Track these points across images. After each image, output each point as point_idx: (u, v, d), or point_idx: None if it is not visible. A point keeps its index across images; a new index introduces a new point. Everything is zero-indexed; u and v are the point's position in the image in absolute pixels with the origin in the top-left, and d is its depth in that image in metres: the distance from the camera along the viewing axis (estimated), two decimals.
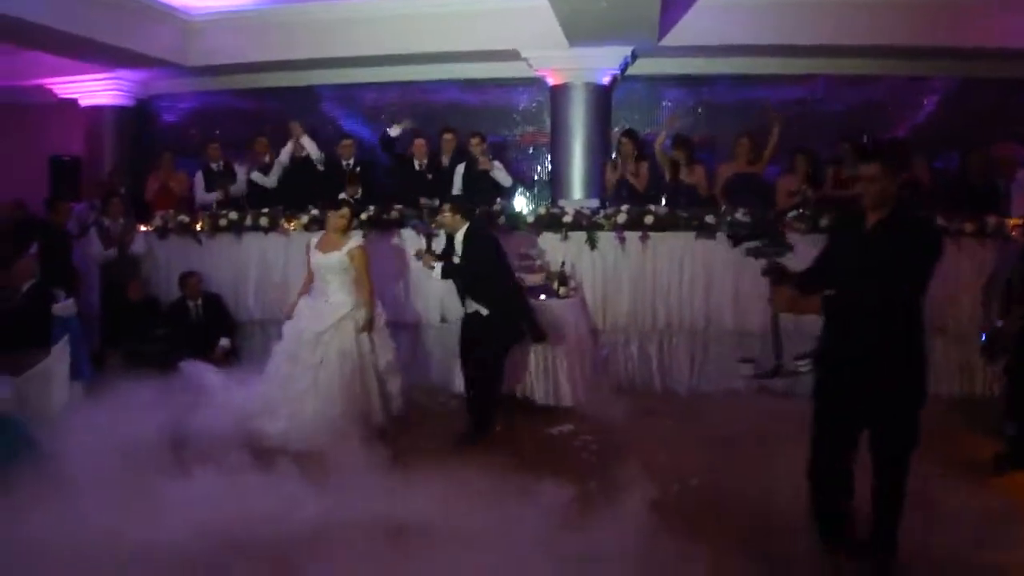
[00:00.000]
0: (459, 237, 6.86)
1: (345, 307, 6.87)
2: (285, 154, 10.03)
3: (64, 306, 7.41)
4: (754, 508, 5.00)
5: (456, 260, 6.91)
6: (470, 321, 6.92)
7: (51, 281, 7.77)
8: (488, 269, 6.79)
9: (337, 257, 6.89)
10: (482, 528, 4.58)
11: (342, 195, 7.45)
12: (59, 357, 6.80)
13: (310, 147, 9.96)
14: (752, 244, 4.75)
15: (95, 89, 11.77)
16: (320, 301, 6.95)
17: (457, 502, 4.93)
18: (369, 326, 6.90)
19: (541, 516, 4.76)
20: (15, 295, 7.58)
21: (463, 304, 6.99)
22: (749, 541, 4.62)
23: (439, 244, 7.32)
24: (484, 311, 6.77)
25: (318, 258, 6.95)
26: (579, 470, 5.91)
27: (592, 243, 8.30)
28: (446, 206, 6.96)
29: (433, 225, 7.65)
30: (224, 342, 8.52)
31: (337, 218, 7.04)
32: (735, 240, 5.61)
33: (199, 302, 8.66)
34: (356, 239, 7.08)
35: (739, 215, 8.07)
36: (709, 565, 4.19)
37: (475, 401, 6.84)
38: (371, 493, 5.16)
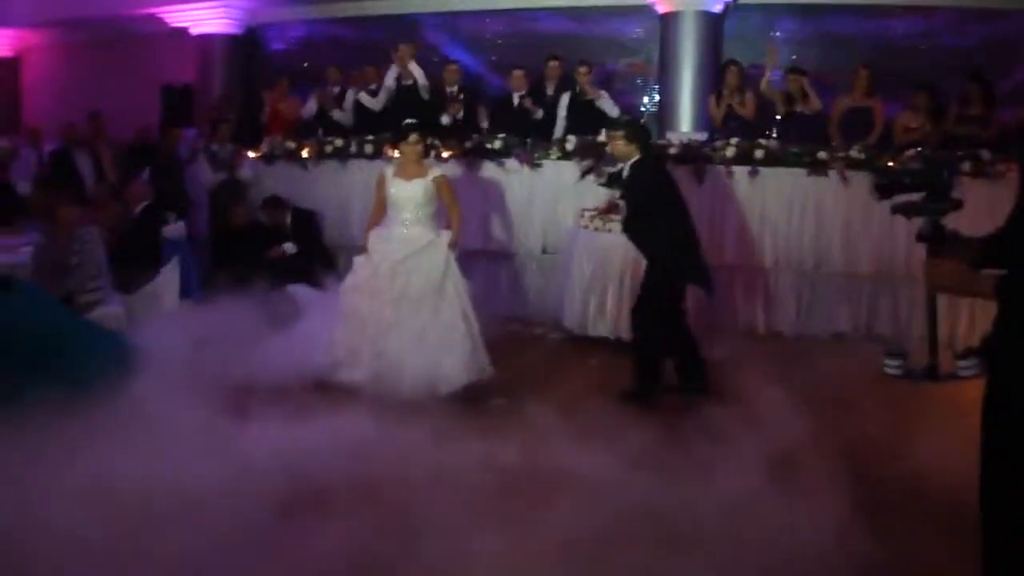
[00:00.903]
0: (627, 168, 6.19)
1: (424, 238, 6.28)
2: (391, 78, 10.00)
3: (174, 228, 7.64)
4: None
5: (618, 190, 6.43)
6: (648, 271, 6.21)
7: (163, 205, 7.98)
8: (649, 206, 6.04)
9: (421, 185, 6.34)
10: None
11: (408, 121, 6.67)
12: (169, 277, 7.05)
13: (417, 73, 9.92)
14: (905, 199, 3.89)
15: (205, 17, 11.95)
16: (396, 232, 6.36)
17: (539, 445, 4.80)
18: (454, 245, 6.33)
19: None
20: (129, 217, 7.81)
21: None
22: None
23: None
24: (643, 258, 6.21)
25: (398, 187, 6.35)
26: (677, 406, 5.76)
27: (699, 177, 8.11)
28: (619, 131, 6.22)
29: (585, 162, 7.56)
30: (288, 246, 8.62)
31: (411, 145, 6.47)
32: (884, 191, 4.21)
33: (287, 222, 8.78)
34: (436, 168, 6.69)
35: (854, 151, 7.79)
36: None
37: (635, 364, 6.16)
38: (477, 437, 4.82)
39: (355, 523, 3.75)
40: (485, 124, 9.43)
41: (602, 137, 7.64)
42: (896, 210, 3.85)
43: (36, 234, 7.21)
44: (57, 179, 9.05)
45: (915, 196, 3.87)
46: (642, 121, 8.06)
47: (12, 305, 5.72)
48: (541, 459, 4.54)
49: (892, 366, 4.37)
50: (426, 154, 7.99)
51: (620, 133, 6.18)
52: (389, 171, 6.56)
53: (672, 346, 6.15)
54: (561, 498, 3.99)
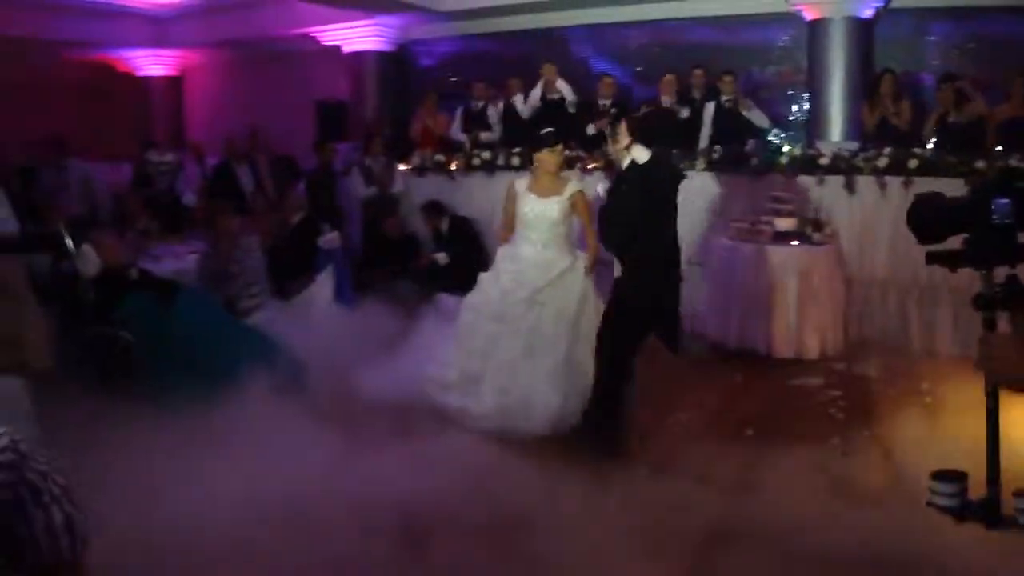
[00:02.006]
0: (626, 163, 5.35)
1: (560, 263, 5.68)
2: (536, 95, 10.13)
3: (329, 238, 7.92)
4: None
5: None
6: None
7: (318, 216, 8.28)
8: (638, 212, 5.19)
9: (557, 204, 5.73)
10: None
11: (547, 129, 6.05)
12: (323, 285, 7.34)
13: (565, 89, 10.02)
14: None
15: (357, 36, 12.34)
16: (527, 252, 5.75)
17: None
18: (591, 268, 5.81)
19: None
20: (286, 227, 8.15)
21: None
22: None
23: None
24: (616, 270, 5.37)
25: (532, 204, 5.74)
26: (822, 429, 5.62)
27: (850, 188, 7.92)
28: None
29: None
30: (440, 256, 8.76)
31: (553, 155, 5.82)
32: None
33: (445, 228, 8.95)
34: (574, 183, 6.00)
35: (1014, 161, 7.47)
36: None
37: (592, 404, 5.33)
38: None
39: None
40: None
41: None
42: (933, 259, 2.43)
43: (200, 243, 7.60)
44: (219, 191, 9.51)
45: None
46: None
47: (178, 308, 6.07)
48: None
49: (941, 494, 2.53)
50: (569, 166, 8.06)
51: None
52: (521, 185, 5.91)
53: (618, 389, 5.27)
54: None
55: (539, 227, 5.74)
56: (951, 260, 2.30)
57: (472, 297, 5.85)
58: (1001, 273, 2.25)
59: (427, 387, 5.69)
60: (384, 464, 4.60)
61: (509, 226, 5.98)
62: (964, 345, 7.61)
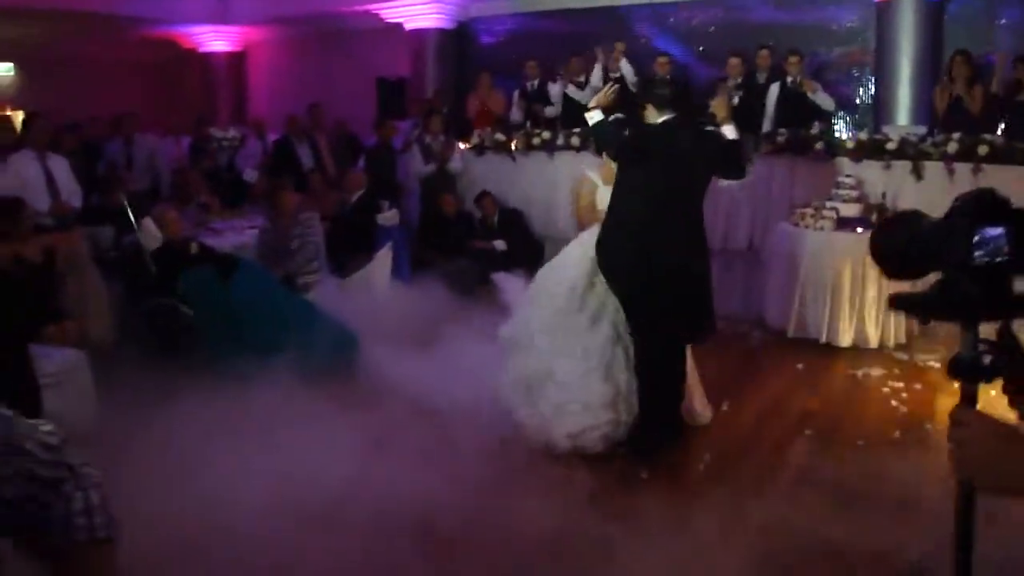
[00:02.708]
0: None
1: None
2: (597, 74, 10.04)
3: (388, 216, 7.94)
4: None
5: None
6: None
7: (378, 193, 8.29)
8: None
9: None
10: None
11: (617, 115, 5.47)
12: (382, 262, 7.35)
13: (627, 69, 9.93)
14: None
15: (418, 13, 12.35)
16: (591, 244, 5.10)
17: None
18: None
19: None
20: (346, 204, 8.18)
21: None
22: None
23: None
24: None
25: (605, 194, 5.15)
26: (886, 417, 5.55)
27: (917, 173, 7.72)
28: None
29: None
30: (498, 243, 8.74)
31: None
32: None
33: (495, 219, 8.92)
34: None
35: None
36: None
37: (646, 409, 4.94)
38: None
39: None
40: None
41: None
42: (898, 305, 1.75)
43: (261, 218, 7.67)
44: (279, 167, 9.58)
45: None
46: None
47: (237, 282, 6.13)
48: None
49: None
50: None
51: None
52: (594, 175, 5.44)
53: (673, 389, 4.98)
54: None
55: None
56: (919, 309, 1.63)
57: (531, 294, 5.38)
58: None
59: (499, 391, 5.19)
60: (422, 471, 4.36)
61: (585, 216, 5.45)
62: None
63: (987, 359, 1.53)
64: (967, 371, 1.55)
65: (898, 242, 1.61)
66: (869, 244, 1.72)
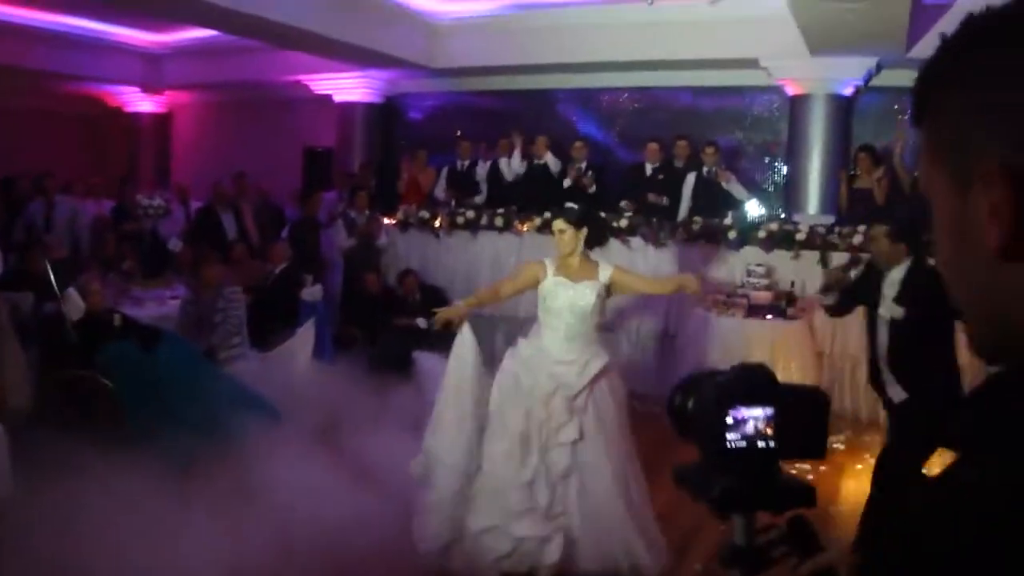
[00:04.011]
0: (894, 275, 4.85)
1: (599, 359, 4.71)
2: (517, 162, 10.43)
3: (312, 291, 7.98)
4: None
5: (883, 311, 4.88)
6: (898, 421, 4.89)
7: (302, 266, 8.35)
8: (928, 334, 4.62)
9: (593, 291, 4.73)
10: None
11: (570, 205, 5.61)
12: (304, 338, 7.34)
13: (552, 163, 10.25)
14: None
15: (347, 86, 12.53)
16: (554, 348, 4.75)
17: None
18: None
19: None
20: (269, 276, 8.21)
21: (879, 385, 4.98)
22: None
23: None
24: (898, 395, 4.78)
25: (562, 290, 4.74)
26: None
27: (824, 263, 8.10)
28: (880, 228, 4.97)
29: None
30: (420, 321, 8.77)
31: (566, 236, 4.79)
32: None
33: (417, 297, 9.06)
34: (606, 263, 4.94)
35: None
36: None
37: None
38: None
39: None
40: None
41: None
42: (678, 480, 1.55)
43: (183, 288, 7.67)
44: (202, 236, 9.58)
45: None
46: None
47: (160, 356, 6.12)
48: None
49: None
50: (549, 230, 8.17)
51: (882, 229, 4.94)
52: (550, 265, 4.87)
53: None
54: None
55: (566, 318, 4.74)
56: (690, 487, 1.36)
57: (489, 406, 4.83)
58: None
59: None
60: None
61: (497, 295, 5.13)
62: None
63: (774, 548, 1.33)
64: (739, 562, 1.33)
65: (678, 405, 1.36)
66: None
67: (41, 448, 5.19)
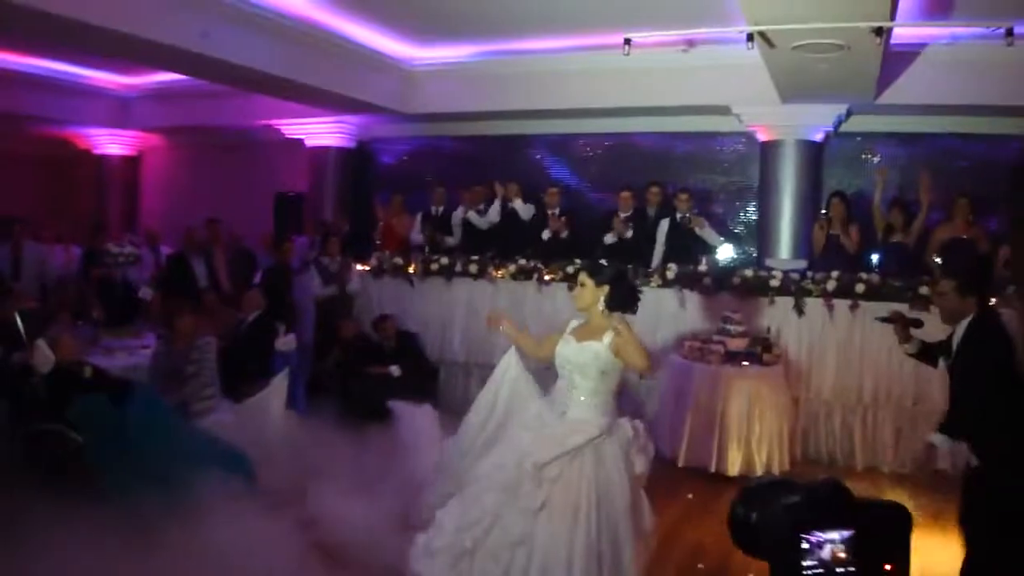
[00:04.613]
0: (960, 329, 4.54)
1: (591, 428, 4.32)
2: (494, 213, 10.43)
3: (285, 342, 7.90)
4: None
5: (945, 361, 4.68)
6: (968, 481, 4.45)
7: (275, 314, 8.25)
8: (994, 389, 4.30)
9: (595, 351, 4.41)
10: None
11: (580, 262, 5.38)
12: (277, 388, 7.23)
13: (521, 209, 10.27)
14: None
15: (320, 131, 12.51)
16: (551, 410, 4.54)
17: None
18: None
19: None
20: (241, 324, 8.11)
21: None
22: None
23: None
24: (974, 460, 4.33)
25: (569, 348, 4.51)
26: None
27: (799, 309, 8.15)
28: (949, 283, 4.51)
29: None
30: (393, 368, 8.73)
31: (585, 289, 4.53)
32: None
33: (393, 343, 8.99)
34: (616, 318, 4.44)
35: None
36: None
37: None
38: None
39: None
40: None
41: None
42: None
43: (154, 337, 7.55)
44: (173, 283, 9.47)
45: None
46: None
47: (131, 410, 6.01)
48: None
49: None
50: (526, 276, 8.19)
51: (951, 283, 4.52)
52: (572, 323, 4.71)
53: None
54: None
55: (570, 377, 4.49)
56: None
57: (483, 450, 4.75)
58: None
59: (411, 549, 4.67)
60: None
61: (530, 347, 4.97)
62: (904, 462, 7.85)
63: None
64: None
65: (741, 517, 1.27)
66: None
67: (5, 503, 5.10)
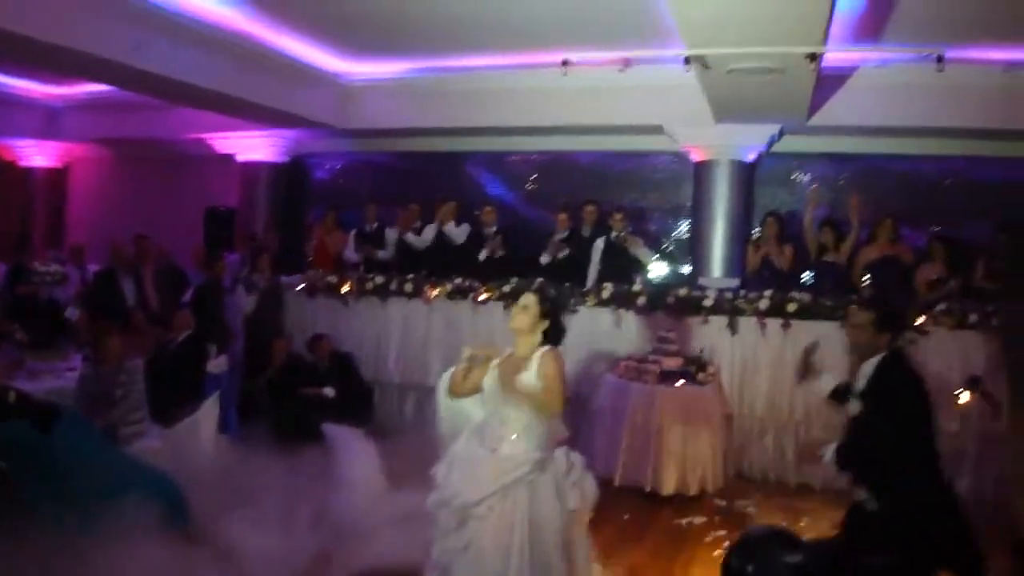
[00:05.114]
0: (866, 367, 4.40)
1: (523, 464, 4.16)
2: (430, 232, 10.40)
3: (216, 363, 7.75)
4: None
5: (854, 403, 4.48)
6: (852, 518, 4.43)
7: (206, 334, 8.09)
8: (900, 430, 4.18)
9: (527, 382, 4.25)
10: None
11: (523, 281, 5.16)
12: (209, 412, 7.08)
13: (454, 233, 10.28)
14: None
15: (252, 146, 12.30)
16: (482, 446, 4.32)
17: None
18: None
19: None
20: (170, 344, 7.94)
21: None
22: None
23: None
24: (871, 503, 4.27)
25: (490, 377, 4.40)
26: (709, 571, 5.69)
27: (733, 328, 8.24)
28: (865, 315, 4.42)
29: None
30: (327, 390, 8.62)
31: (526, 311, 4.38)
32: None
33: (327, 363, 8.89)
34: (543, 349, 4.34)
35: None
36: None
37: None
38: None
39: None
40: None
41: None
42: None
43: (80, 359, 7.36)
44: (100, 301, 9.22)
45: None
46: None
47: (57, 435, 5.84)
48: None
49: None
50: (462, 296, 8.13)
51: (868, 316, 4.40)
52: (504, 354, 4.49)
53: None
54: None
55: (501, 411, 4.33)
56: None
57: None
58: None
59: None
60: None
61: (459, 386, 4.56)
62: (836, 479, 7.94)
63: None
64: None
65: (735, 569, 1.15)
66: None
67: None
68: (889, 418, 4.17)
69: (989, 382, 6.89)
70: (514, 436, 4.24)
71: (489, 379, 4.37)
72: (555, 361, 4.27)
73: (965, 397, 6.74)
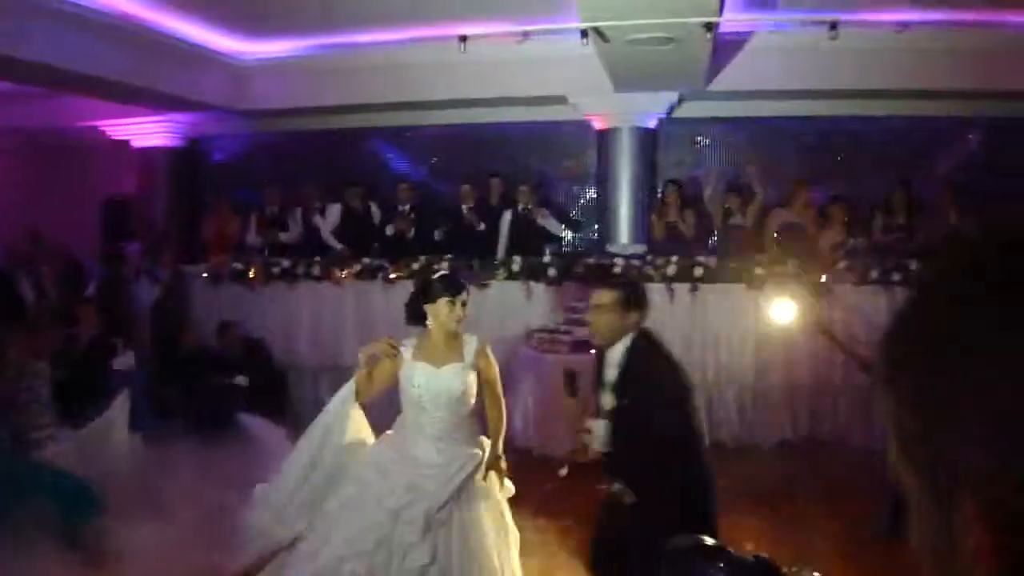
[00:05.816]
0: (614, 354, 3.93)
1: (470, 461, 4.06)
2: (334, 214, 10.30)
3: (124, 359, 7.56)
4: None
5: (606, 397, 4.00)
6: (608, 512, 4.10)
7: (111, 330, 7.90)
8: (654, 418, 3.71)
9: (458, 373, 4.11)
10: None
11: (442, 272, 4.77)
12: (119, 410, 6.92)
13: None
14: None
15: (146, 131, 11.93)
16: (420, 451, 4.09)
17: None
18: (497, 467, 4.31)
19: None
20: (75, 343, 7.73)
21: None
22: None
23: None
24: (628, 496, 3.85)
25: (426, 377, 4.10)
26: None
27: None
28: (610, 294, 3.90)
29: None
30: (240, 379, 8.53)
31: (454, 308, 4.14)
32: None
33: (238, 351, 8.77)
34: (473, 337, 4.27)
35: (790, 267, 8.11)
36: None
37: None
38: None
39: None
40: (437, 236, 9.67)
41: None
42: None
43: None
44: None
45: None
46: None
47: None
48: None
49: None
50: (372, 276, 8.05)
51: (612, 295, 3.89)
52: (406, 349, 4.19)
53: None
54: None
55: (430, 410, 4.09)
56: None
57: (342, 529, 4.04)
58: None
59: None
60: None
61: (365, 390, 4.21)
62: (749, 435, 8.20)
63: None
64: None
65: None
66: None
67: None
68: (645, 412, 3.73)
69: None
70: (445, 432, 4.11)
71: (419, 379, 4.11)
72: (490, 355, 4.26)
73: None
